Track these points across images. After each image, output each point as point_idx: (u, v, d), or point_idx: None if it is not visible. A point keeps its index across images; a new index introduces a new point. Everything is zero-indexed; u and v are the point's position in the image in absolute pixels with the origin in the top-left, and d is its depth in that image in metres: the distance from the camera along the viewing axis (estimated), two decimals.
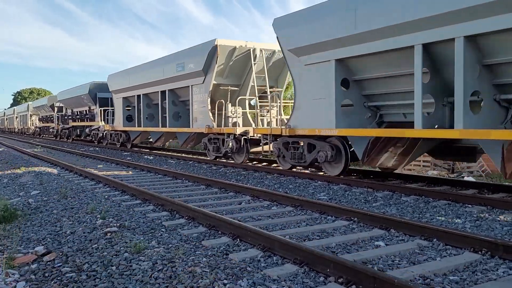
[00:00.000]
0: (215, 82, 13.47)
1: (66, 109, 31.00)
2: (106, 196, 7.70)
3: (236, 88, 14.14)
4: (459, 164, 12.76)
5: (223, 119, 13.76)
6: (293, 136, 10.50)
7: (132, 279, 3.61)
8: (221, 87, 13.75)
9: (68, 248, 4.58)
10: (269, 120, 12.92)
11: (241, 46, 13.31)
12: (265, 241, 4.47)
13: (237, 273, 3.69)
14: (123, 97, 19.92)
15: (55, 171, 11.82)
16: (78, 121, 28.23)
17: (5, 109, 71.66)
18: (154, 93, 17.38)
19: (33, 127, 43.94)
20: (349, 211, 5.95)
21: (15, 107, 57.79)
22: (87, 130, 26.11)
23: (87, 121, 26.41)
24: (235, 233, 4.92)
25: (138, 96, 18.48)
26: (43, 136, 38.77)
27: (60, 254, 4.43)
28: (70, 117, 29.88)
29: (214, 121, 13.62)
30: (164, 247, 4.43)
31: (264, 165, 12.71)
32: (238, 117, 13.52)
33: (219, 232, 5.19)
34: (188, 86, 14.59)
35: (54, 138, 34.66)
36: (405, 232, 5.08)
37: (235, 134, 12.68)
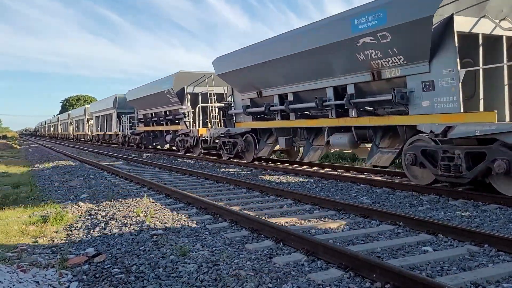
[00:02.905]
0: None
1: (215, 96, 17.08)
2: (151, 199, 7.90)
3: None
4: None
5: None
6: None
7: (179, 281, 3.69)
8: None
9: (117, 250, 4.73)
10: None
11: None
12: (309, 245, 4.45)
13: (282, 277, 3.68)
14: None
15: None
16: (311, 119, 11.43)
17: (64, 113, 60.45)
18: None
19: (121, 133, 27.93)
20: (394, 215, 5.82)
21: (86, 106, 42.53)
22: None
23: (328, 115, 10.48)
24: (278, 237, 4.93)
25: None
26: (147, 148, 24.36)
27: (110, 255, 4.58)
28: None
29: None
30: (208, 250, 4.49)
31: (304, 168, 12.64)
32: None
33: (262, 235, 5.21)
34: None
35: (182, 154, 18.76)
36: (454, 237, 4.91)
37: None
